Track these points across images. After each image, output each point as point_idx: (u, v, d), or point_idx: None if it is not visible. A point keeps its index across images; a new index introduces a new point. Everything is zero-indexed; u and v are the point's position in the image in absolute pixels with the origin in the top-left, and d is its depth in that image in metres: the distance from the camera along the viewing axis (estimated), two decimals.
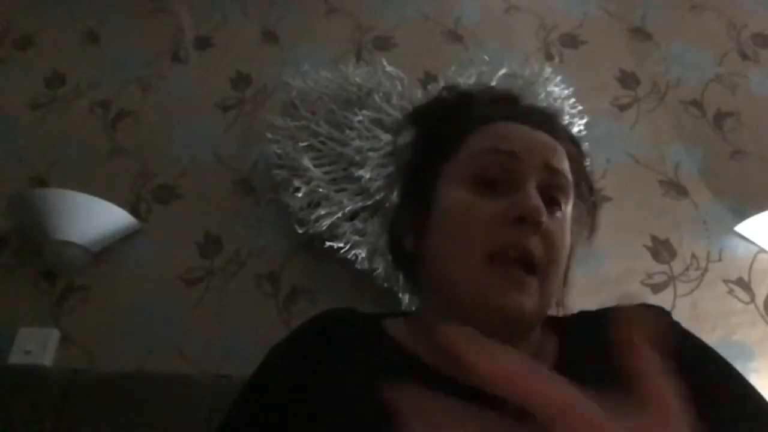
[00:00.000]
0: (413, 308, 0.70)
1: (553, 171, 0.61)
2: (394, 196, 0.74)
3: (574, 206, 0.65)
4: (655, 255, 1.37)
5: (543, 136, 0.63)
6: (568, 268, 0.65)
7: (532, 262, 0.56)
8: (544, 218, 0.56)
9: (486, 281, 0.56)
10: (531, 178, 0.59)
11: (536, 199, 0.57)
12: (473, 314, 0.57)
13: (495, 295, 0.55)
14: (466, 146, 0.63)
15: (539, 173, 0.60)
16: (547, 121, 0.67)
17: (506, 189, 0.59)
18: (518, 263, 0.56)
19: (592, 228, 0.70)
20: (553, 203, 0.60)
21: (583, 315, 0.67)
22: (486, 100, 0.71)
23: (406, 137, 0.75)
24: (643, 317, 0.64)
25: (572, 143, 0.68)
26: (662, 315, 0.64)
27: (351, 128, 1.35)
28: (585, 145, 1.40)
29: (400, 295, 1.22)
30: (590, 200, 0.70)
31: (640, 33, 1.70)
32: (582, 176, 0.68)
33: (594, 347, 0.60)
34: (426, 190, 0.65)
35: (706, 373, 0.58)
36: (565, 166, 0.63)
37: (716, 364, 0.60)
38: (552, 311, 0.65)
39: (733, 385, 0.58)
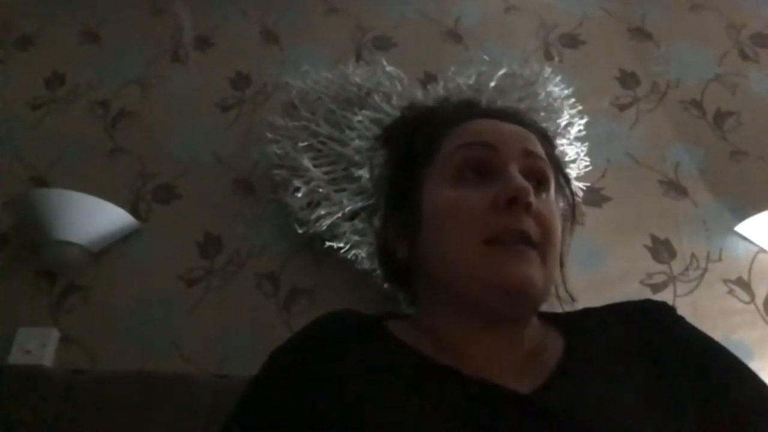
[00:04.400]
0: (414, 310, 0.70)
1: (531, 155, 0.62)
2: (380, 208, 0.75)
3: (557, 193, 0.66)
4: (655, 255, 1.37)
5: (514, 127, 0.65)
6: (562, 253, 0.65)
7: (530, 239, 0.57)
8: (533, 197, 0.57)
9: (487, 260, 0.56)
10: (512, 163, 0.60)
11: (522, 180, 0.57)
12: (479, 299, 0.57)
13: (498, 269, 0.55)
14: (441, 148, 0.64)
15: (518, 159, 0.61)
16: (516, 114, 0.69)
17: (489, 179, 0.60)
18: (516, 241, 0.56)
19: (573, 218, 0.71)
20: (537, 186, 0.61)
21: (588, 312, 0.67)
22: (450, 106, 0.73)
23: (381, 157, 0.76)
24: (648, 312, 0.64)
25: (542, 135, 0.69)
26: (667, 310, 0.65)
27: (351, 128, 1.35)
28: (584, 145, 1.41)
29: (401, 296, 1.22)
30: (567, 190, 0.71)
31: (640, 33, 1.70)
32: (556, 167, 0.69)
33: (600, 344, 0.61)
34: (410, 197, 0.66)
35: (713, 367, 0.59)
36: (541, 150, 0.64)
37: (723, 358, 0.60)
38: (556, 306, 0.65)
39: (741, 378, 0.59)
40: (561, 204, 0.69)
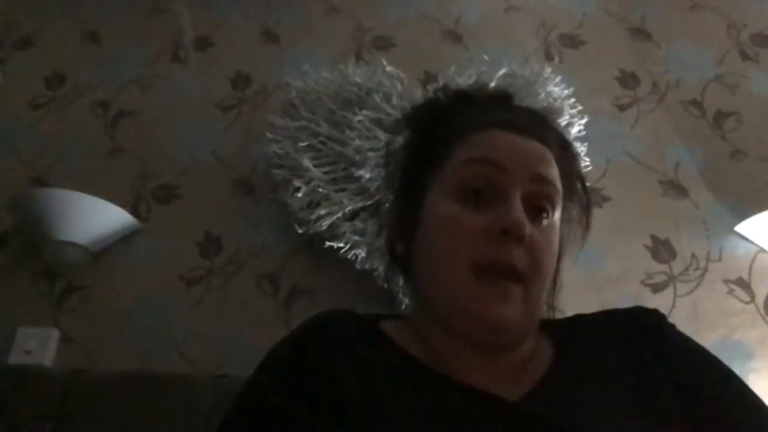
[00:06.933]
0: (410, 311, 0.71)
1: (540, 180, 0.61)
2: (390, 198, 0.75)
3: (566, 208, 0.65)
4: (655, 255, 1.37)
5: (531, 145, 0.63)
6: (557, 271, 0.65)
7: (516, 273, 0.56)
8: (527, 231, 0.56)
9: (470, 294, 0.56)
10: (516, 188, 0.59)
11: (519, 213, 0.57)
12: (461, 330, 0.57)
13: (477, 307, 0.56)
14: (454, 155, 0.63)
15: (526, 183, 0.60)
16: (537, 125, 0.67)
17: (491, 200, 0.59)
18: (502, 274, 0.56)
19: (587, 227, 0.71)
20: (540, 211, 0.61)
21: (579, 318, 0.67)
22: (479, 101, 0.71)
23: (401, 139, 0.75)
24: (638, 319, 0.64)
25: (563, 147, 0.68)
26: (657, 317, 0.64)
27: (351, 128, 1.35)
28: (584, 145, 1.41)
29: (400, 295, 1.22)
30: (585, 200, 0.70)
31: (640, 33, 1.70)
32: (575, 177, 0.68)
33: (589, 351, 0.61)
34: (415, 196, 0.66)
35: (701, 376, 0.58)
36: (554, 173, 0.62)
37: (711, 367, 0.60)
38: (544, 315, 0.65)
39: (729, 388, 0.58)
40: (572, 213, 0.69)
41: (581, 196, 0.70)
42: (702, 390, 0.57)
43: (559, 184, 0.63)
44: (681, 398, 0.55)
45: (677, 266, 1.35)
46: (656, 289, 1.33)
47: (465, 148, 0.63)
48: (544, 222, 0.61)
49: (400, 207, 0.70)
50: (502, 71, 1.44)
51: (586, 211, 0.70)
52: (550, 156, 0.63)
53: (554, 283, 0.66)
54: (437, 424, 0.51)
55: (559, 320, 0.67)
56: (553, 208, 0.62)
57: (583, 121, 1.42)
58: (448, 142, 0.65)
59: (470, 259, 0.57)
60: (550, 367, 0.59)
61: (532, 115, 0.70)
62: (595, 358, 0.59)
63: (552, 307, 0.67)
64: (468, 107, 0.70)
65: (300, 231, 1.31)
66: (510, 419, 0.52)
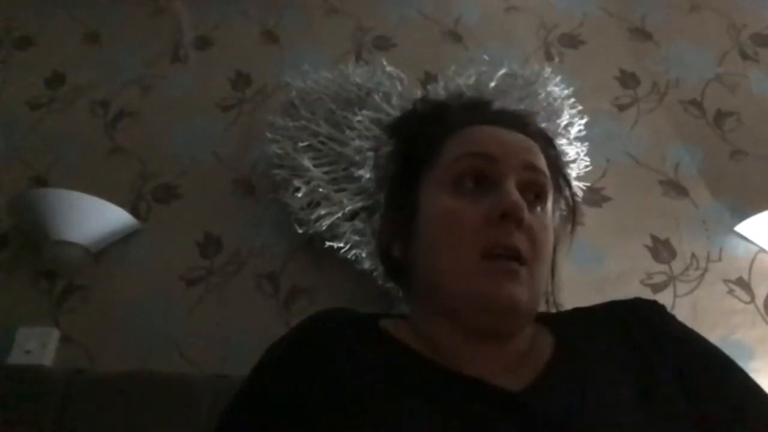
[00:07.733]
0: (409, 311, 0.71)
1: (531, 169, 0.62)
2: (380, 206, 0.76)
3: (555, 202, 0.67)
4: (655, 255, 1.37)
5: (517, 137, 0.65)
6: (554, 262, 0.66)
7: (519, 256, 0.57)
8: (526, 214, 0.57)
9: (478, 278, 0.57)
10: (510, 176, 0.60)
11: (516, 196, 0.58)
12: (467, 314, 0.58)
13: (488, 288, 0.56)
14: (443, 153, 0.65)
15: (517, 172, 0.61)
16: (520, 121, 0.69)
17: (486, 190, 0.60)
18: (507, 256, 0.57)
19: (573, 222, 0.72)
20: (533, 200, 0.62)
21: (578, 311, 0.67)
22: (459, 106, 0.73)
23: (387, 149, 0.77)
24: (638, 310, 0.65)
25: (546, 142, 0.70)
26: (656, 308, 0.65)
27: (351, 128, 1.35)
28: (584, 145, 1.41)
29: (400, 295, 1.22)
30: (569, 195, 0.71)
31: (640, 33, 1.70)
32: (559, 172, 0.70)
33: (590, 343, 0.61)
34: (409, 198, 0.67)
35: (703, 365, 0.59)
36: (542, 163, 0.64)
37: (712, 356, 0.61)
38: (545, 309, 0.66)
39: (730, 376, 0.59)
40: (561, 207, 0.70)
41: (565, 189, 0.71)
42: (703, 377, 0.57)
43: (548, 174, 0.64)
44: (682, 386, 0.56)
45: (677, 266, 1.36)
46: (656, 289, 1.33)
47: (454, 146, 0.64)
48: (539, 210, 0.62)
49: (394, 210, 0.71)
50: (502, 71, 1.44)
51: (572, 204, 0.72)
52: (536, 147, 0.65)
53: (552, 274, 0.66)
54: (439, 416, 0.51)
55: (558, 313, 0.68)
56: (546, 197, 0.63)
57: (583, 121, 1.42)
58: (436, 142, 0.66)
59: (474, 249, 0.57)
60: (551, 359, 0.59)
61: (513, 112, 0.73)
62: (595, 350, 0.60)
63: (554, 303, 0.68)
64: (449, 113, 0.72)
65: (300, 231, 1.31)
66: (512, 410, 0.52)
